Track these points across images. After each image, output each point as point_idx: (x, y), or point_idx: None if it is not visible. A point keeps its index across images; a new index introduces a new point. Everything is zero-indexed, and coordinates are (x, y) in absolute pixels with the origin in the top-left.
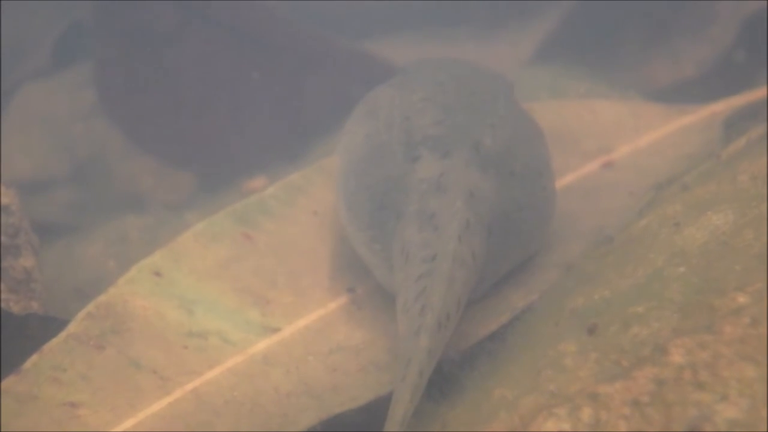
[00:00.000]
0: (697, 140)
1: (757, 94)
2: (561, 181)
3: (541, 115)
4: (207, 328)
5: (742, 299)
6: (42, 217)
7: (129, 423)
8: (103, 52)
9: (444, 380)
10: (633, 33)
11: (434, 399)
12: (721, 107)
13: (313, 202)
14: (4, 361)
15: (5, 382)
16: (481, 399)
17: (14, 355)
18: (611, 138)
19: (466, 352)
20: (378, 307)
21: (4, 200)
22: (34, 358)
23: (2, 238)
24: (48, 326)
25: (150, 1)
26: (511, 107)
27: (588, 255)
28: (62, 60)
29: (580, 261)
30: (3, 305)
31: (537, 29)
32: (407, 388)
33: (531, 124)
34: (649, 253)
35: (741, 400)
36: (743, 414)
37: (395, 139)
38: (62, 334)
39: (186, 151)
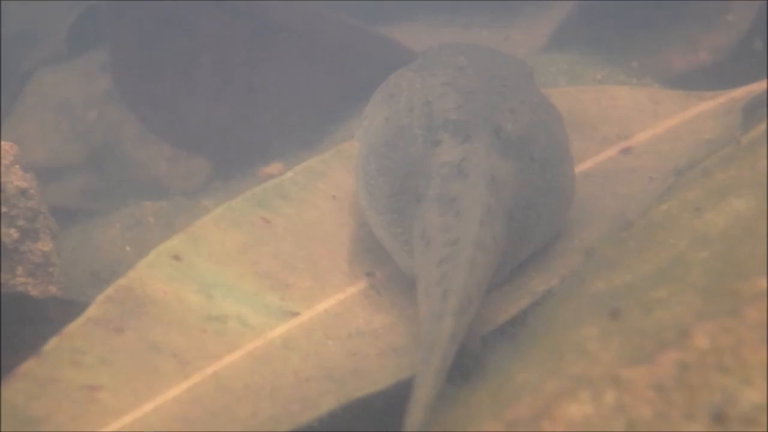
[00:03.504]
0: (716, 126)
1: None
2: (580, 167)
3: (559, 101)
4: (226, 311)
5: (765, 284)
6: (58, 202)
7: (148, 406)
8: (118, 37)
9: (465, 364)
10: (648, 20)
11: (456, 383)
12: (740, 93)
13: (332, 187)
14: (24, 344)
15: (25, 365)
16: (503, 382)
17: (34, 338)
18: (630, 124)
19: (487, 336)
20: (397, 292)
21: (23, 184)
22: (54, 341)
23: (21, 221)
24: (68, 309)
25: None
26: (531, 92)
27: (608, 239)
28: (76, 46)
29: (601, 245)
30: (21, 289)
31: (552, 16)
32: (431, 372)
33: (551, 110)
34: (670, 237)
35: (765, 383)
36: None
37: (416, 123)
38: (82, 317)
39: (201, 138)
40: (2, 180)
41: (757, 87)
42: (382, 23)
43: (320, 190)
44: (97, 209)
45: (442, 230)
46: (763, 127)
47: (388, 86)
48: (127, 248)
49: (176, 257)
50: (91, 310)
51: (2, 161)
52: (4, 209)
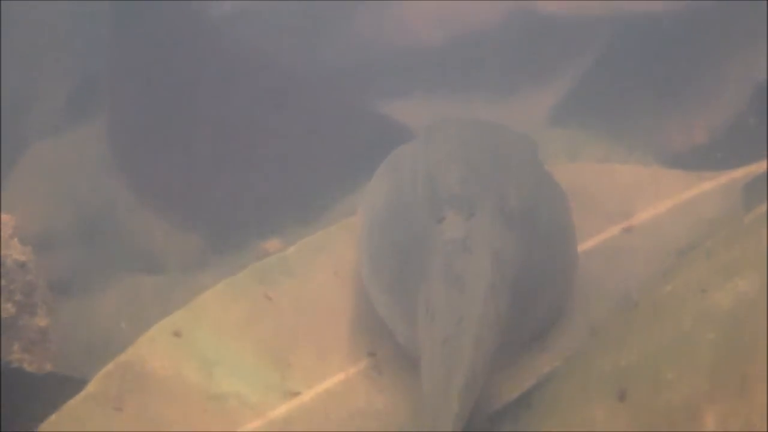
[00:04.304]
0: (717, 206)
1: None
2: (582, 245)
3: (562, 177)
4: (227, 390)
5: None
6: (51, 273)
7: None
8: (117, 108)
9: None
10: (646, 98)
11: None
12: (740, 174)
13: (334, 262)
14: (21, 421)
15: None
16: None
17: (32, 414)
18: (631, 203)
19: (492, 416)
20: (399, 372)
21: (21, 257)
22: (53, 418)
23: (18, 296)
24: (65, 385)
25: (167, 56)
26: (535, 168)
27: (613, 319)
28: (74, 114)
29: (606, 325)
30: (17, 365)
31: (551, 93)
32: None
33: (554, 186)
34: (675, 317)
35: None
36: None
37: (420, 198)
38: (81, 394)
39: (197, 212)
40: (2, 253)
41: (757, 168)
42: (379, 98)
43: (322, 266)
44: (92, 281)
45: (447, 308)
46: (764, 207)
47: (392, 160)
48: (123, 325)
49: (177, 333)
50: (91, 387)
51: (2, 234)
52: (3, 283)
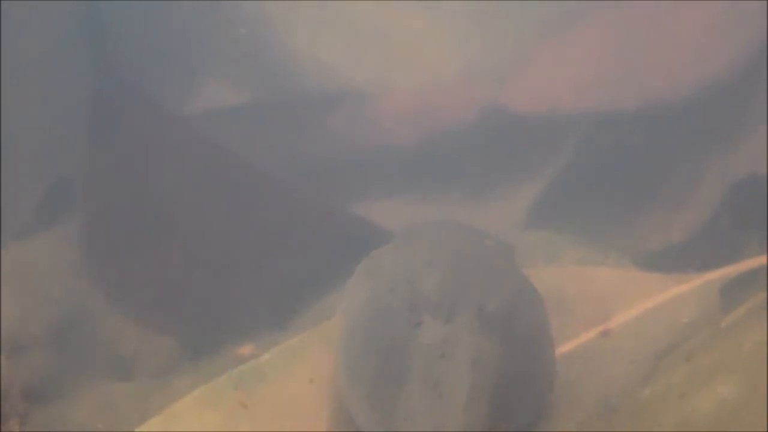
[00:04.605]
0: (694, 309)
1: (749, 263)
2: (559, 349)
3: (539, 281)
4: None
5: None
6: (23, 380)
7: None
8: (89, 212)
9: None
10: (622, 197)
11: None
12: (716, 276)
13: (310, 369)
14: None
15: None
16: None
17: None
18: (608, 306)
19: None
20: None
21: None
22: None
23: None
24: None
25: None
26: (512, 272)
27: (592, 425)
28: (46, 216)
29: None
30: None
31: (526, 195)
32: None
33: (531, 291)
34: (655, 423)
35: None
36: None
37: (397, 303)
38: None
39: (170, 318)
40: None
41: (733, 269)
42: (354, 198)
43: (298, 373)
44: (64, 388)
45: (426, 414)
46: (743, 310)
47: (370, 264)
48: (100, 425)
49: None
50: None
51: None
52: None
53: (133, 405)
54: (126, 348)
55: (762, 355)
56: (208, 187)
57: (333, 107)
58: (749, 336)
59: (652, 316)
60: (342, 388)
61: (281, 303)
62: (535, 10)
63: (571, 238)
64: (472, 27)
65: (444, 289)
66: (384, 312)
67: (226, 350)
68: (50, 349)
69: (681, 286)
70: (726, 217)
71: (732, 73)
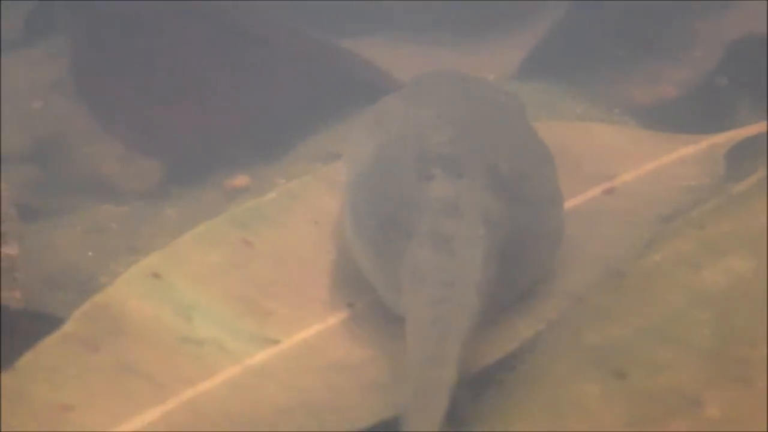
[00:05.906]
0: (699, 172)
1: (757, 127)
2: (564, 205)
3: (546, 136)
4: (203, 335)
5: None
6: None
7: (121, 429)
8: (77, 31)
9: (454, 408)
10: (615, 51)
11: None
12: (722, 139)
13: (313, 211)
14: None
15: None
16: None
17: (6, 350)
18: (613, 164)
19: (475, 379)
20: (377, 324)
21: None
22: (28, 356)
23: None
24: (40, 323)
25: None
26: (524, 129)
27: (600, 288)
28: (33, 35)
29: (592, 294)
30: None
31: (518, 44)
32: (430, 421)
33: (542, 147)
34: (666, 293)
35: None
36: None
37: (408, 154)
38: (57, 334)
39: (155, 139)
40: None
41: (738, 134)
42: (340, 37)
43: (301, 214)
44: (48, 207)
45: (436, 269)
46: (754, 179)
47: (377, 112)
48: (90, 253)
49: (155, 275)
50: (67, 327)
51: None
52: None
53: (124, 230)
54: (108, 168)
55: None
56: (199, 16)
57: None
58: (762, 207)
59: (657, 177)
60: (347, 234)
61: (270, 135)
62: None
63: (559, 90)
64: None
65: (455, 144)
66: (393, 161)
67: (215, 179)
68: (30, 164)
69: (686, 148)
70: (721, 78)
71: None
